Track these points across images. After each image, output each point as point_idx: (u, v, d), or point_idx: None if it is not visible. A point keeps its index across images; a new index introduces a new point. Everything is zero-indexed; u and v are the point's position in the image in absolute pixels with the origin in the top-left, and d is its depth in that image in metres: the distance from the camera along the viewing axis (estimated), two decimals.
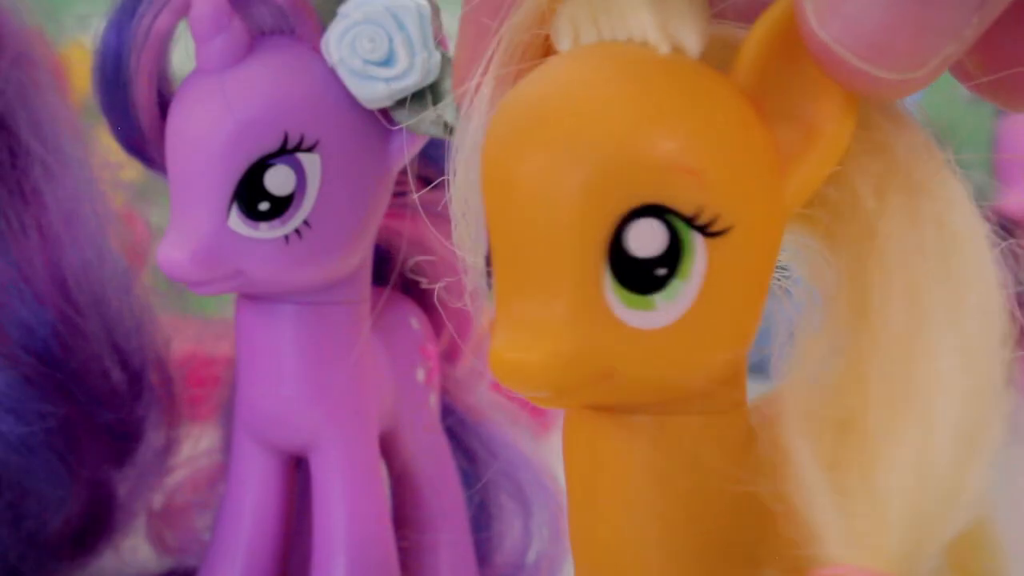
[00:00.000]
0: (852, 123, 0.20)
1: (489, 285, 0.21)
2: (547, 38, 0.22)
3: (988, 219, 0.21)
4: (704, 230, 0.20)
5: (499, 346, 0.20)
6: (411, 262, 0.37)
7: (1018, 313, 0.21)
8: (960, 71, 0.22)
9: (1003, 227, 0.22)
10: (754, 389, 0.23)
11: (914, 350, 0.19)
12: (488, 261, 0.21)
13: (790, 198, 0.20)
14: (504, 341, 0.20)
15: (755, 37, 0.20)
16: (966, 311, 0.19)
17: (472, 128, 0.23)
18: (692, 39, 0.21)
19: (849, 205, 0.21)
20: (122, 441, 0.41)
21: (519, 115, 0.20)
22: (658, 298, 0.20)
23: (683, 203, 0.19)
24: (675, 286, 0.20)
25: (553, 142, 0.20)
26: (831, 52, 0.19)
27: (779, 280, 0.23)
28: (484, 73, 0.22)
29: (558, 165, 0.19)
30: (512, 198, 0.20)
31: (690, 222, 0.19)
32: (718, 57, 0.21)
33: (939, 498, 0.19)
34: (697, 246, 0.20)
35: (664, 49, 0.20)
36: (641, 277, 0.20)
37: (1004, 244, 0.21)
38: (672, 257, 0.20)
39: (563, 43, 0.22)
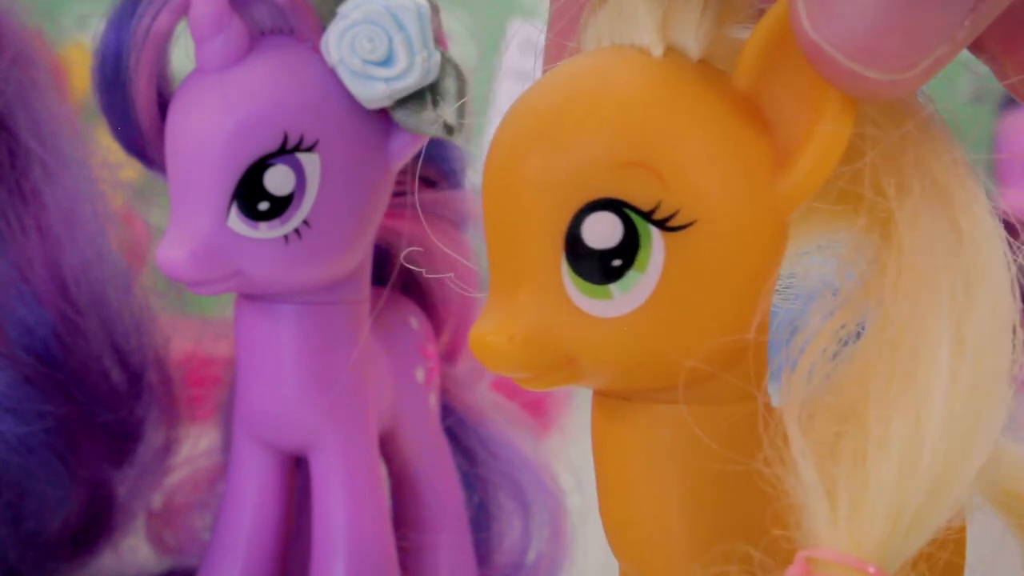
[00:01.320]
0: (850, 124, 0.20)
1: None
2: None
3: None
4: (662, 224, 0.20)
5: (476, 326, 0.21)
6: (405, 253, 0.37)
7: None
8: (998, 71, 0.23)
9: (1003, 227, 0.22)
10: None
11: (917, 343, 0.20)
12: None
13: (787, 196, 0.21)
14: (481, 322, 0.21)
15: (754, 39, 0.21)
16: (972, 308, 0.20)
17: None
18: (691, 42, 0.21)
19: (873, 201, 0.21)
20: (122, 441, 0.41)
21: (510, 119, 0.22)
22: (615, 288, 0.20)
23: (640, 198, 0.20)
24: (631, 277, 0.20)
25: (518, 142, 0.21)
26: (822, 52, 0.19)
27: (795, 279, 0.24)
28: None
29: (519, 163, 0.21)
30: (493, 195, 0.22)
31: (647, 216, 0.20)
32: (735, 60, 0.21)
33: (925, 491, 0.19)
34: (655, 239, 0.20)
35: (656, 52, 0.21)
36: (598, 267, 0.20)
37: (1016, 245, 0.21)
38: (628, 249, 0.20)
39: (587, 48, 0.23)
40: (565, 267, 0.21)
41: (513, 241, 0.21)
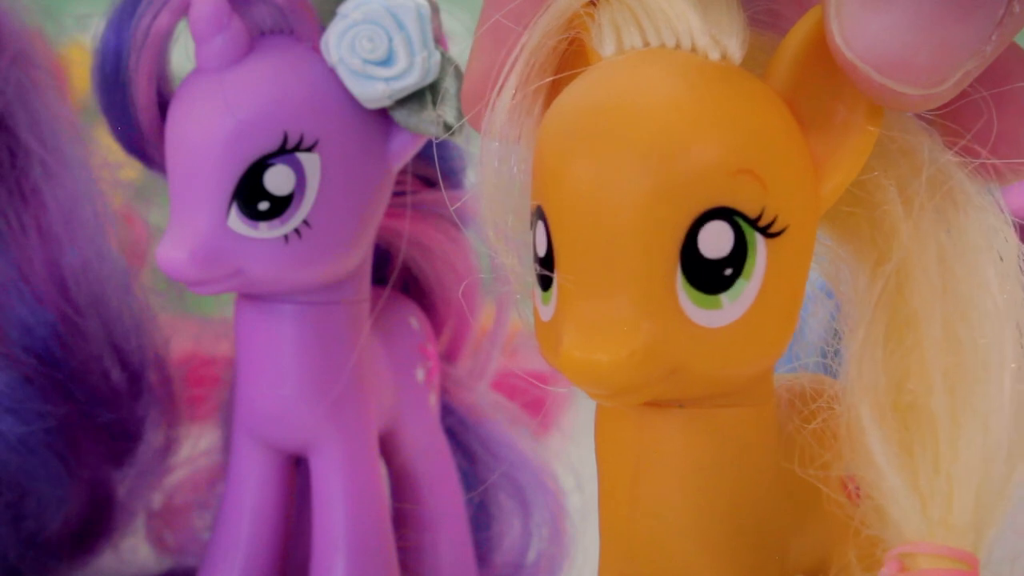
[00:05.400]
0: (878, 128, 0.21)
1: (544, 286, 0.22)
2: (572, 43, 0.23)
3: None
4: (766, 231, 0.20)
5: (570, 346, 0.20)
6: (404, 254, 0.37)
7: None
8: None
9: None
10: None
11: (964, 339, 0.21)
12: (542, 263, 0.22)
13: (824, 199, 0.21)
14: (574, 341, 0.20)
15: (791, 44, 0.21)
16: (1003, 307, 0.21)
17: (496, 141, 0.23)
18: (735, 45, 0.21)
19: (880, 206, 0.22)
20: (122, 441, 0.41)
21: (578, 123, 0.21)
22: (725, 297, 0.20)
23: (748, 205, 0.20)
24: (740, 286, 0.20)
25: (617, 149, 0.20)
26: (856, 69, 0.20)
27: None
28: (503, 85, 0.23)
29: (625, 172, 0.20)
30: (578, 205, 0.21)
31: (754, 223, 0.20)
32: (751, 62, 0.22)
33: (1001, 477, 0.20)
34: (759, 246, 0.20)
35: (714, 55, 0.21)
36: (710, 277, 0.20)
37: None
38: (738, 258, 0.20)
39: (606, 48, 0.22)
40: (680, 278, 0.20)
41: (611, 254, 0.20)
